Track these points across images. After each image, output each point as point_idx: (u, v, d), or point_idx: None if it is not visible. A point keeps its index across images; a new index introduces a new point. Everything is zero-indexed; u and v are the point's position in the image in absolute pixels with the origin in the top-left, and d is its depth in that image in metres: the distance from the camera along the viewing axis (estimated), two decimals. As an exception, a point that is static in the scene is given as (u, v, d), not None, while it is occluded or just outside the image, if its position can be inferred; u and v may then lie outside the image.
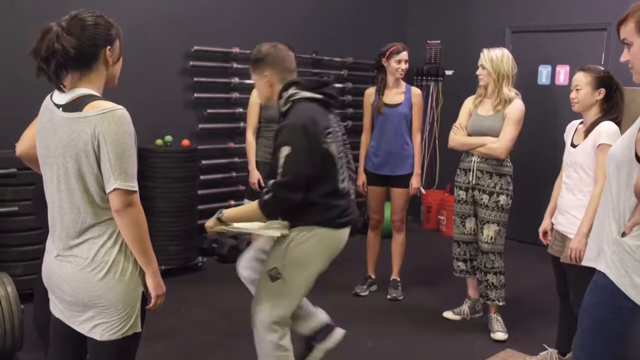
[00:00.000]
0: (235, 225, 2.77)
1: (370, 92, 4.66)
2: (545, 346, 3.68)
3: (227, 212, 2.73)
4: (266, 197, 2.63)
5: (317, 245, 2.75)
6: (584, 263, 2.16)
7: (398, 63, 4.44)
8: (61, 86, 1.94)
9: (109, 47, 1.98)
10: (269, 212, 2.68)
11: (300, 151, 2.61)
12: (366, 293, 4.77)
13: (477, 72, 4.00)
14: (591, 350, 2.04)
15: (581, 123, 3.38)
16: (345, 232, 2.84)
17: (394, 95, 4.55)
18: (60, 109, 1.94)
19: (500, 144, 3.91)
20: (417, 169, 4.59)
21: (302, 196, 2.65)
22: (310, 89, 2.76)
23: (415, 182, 4.58)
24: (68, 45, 1.88)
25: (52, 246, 2.07)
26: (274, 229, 2.76)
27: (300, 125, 2.63)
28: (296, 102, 2.73)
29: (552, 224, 3.47)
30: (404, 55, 4.45)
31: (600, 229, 2.07)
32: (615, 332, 1.98)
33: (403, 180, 4.57)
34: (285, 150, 2.61)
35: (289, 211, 2.70)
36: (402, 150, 4.54)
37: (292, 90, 2.75)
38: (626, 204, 1.97)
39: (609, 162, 2.06)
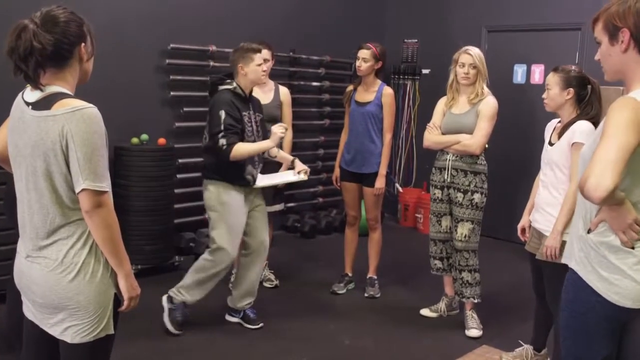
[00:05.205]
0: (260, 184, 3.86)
1: (349, 89, 4.68)
2: (521, 342, 3.72)
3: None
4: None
5: None
6: (562, 260, 2.20)
7: (357, 60, 4.48)
8: (40, 85, 1.90)
9: (83, 43, 1.95)
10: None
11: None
12: (343, 291, 4.77)
13: (465, 72, 3.95)
14: (574, 348, 2.06)
15: (560, 122, 3.41)
16: None
17: (367, 93, 4.55)
18: (30, 107, 1.91)
19: (474, 140, 3.94)
20: (381, 170, 4.52)
21: None
22: None
23: (378, 182, 4.53)
24: (46, 43, 1.84)
25: (22, 247, 2.03)
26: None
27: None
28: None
29: (530, 221, 3.51)
30: (360, 53, 4.47)
31: (574, 226, 2.11)
32: (592, 328, 1.99)
33: (372, 179, 4.55)
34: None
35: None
36: (367, 149, 4.53)
37: None
38: None
39: (579, 162, 2.09)
